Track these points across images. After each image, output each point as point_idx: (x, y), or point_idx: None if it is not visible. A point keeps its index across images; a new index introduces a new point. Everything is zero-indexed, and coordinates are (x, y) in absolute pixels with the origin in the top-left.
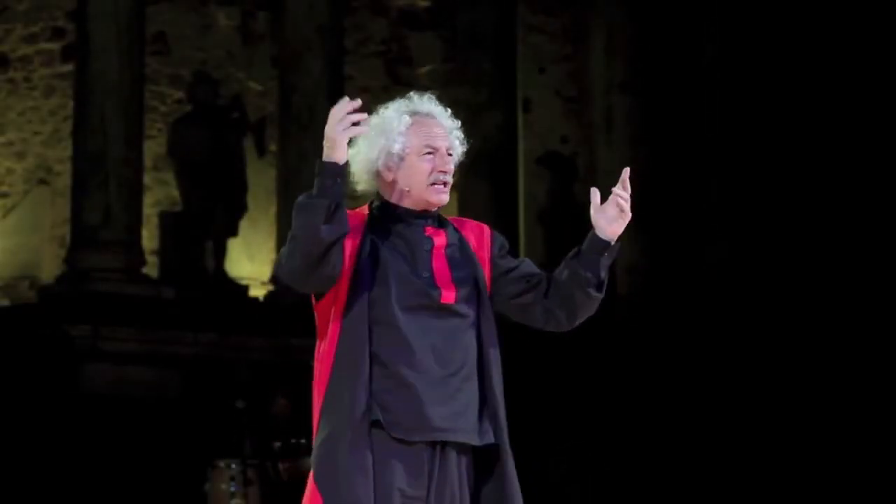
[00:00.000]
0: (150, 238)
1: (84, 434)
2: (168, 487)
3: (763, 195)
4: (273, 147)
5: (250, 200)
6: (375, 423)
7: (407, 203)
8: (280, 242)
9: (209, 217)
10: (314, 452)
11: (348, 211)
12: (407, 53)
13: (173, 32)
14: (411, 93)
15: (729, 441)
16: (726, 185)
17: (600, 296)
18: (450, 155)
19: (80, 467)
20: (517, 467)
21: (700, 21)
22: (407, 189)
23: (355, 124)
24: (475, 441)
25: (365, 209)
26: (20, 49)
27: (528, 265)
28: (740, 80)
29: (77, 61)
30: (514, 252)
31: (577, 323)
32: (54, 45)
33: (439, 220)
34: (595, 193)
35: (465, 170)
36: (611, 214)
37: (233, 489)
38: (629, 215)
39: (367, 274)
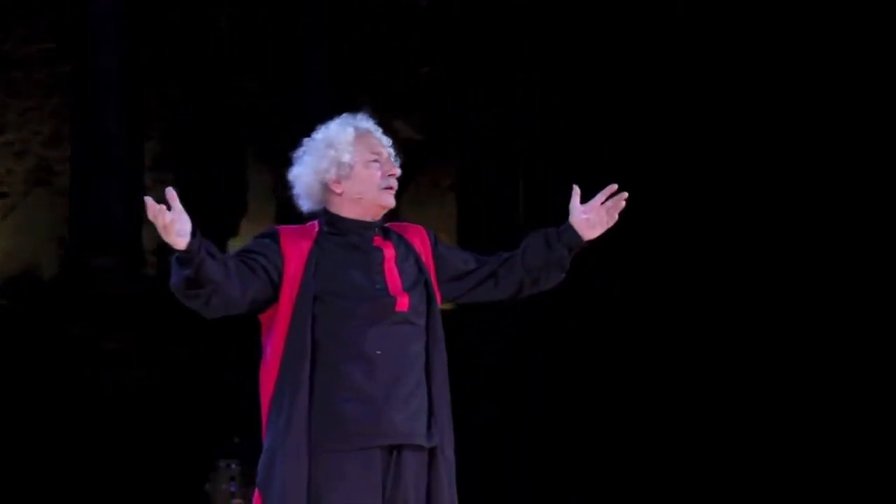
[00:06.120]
0: (150, 238)
1: (84, 434)
2: (168, 487)
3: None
4: (273, 147)
5: (250, 200)
6: (321, 440)
7: (356, 213)
8: None
9: (209, 217)
10: (260, 464)
11: (296, 227)
12: (407, 53)
13: (173, 32)
14: (345, 114)
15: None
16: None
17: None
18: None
19: (81, 467)
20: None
21: None
22: (358, 197)
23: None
24: (425, 443)
25: (314, 224)
26: (20, 49)
27: (473, 259)
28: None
29: (77, 61)
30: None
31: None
32: (54, 46)
33: (384, 231)
34: (576, 192)
35: (464, 170)
36: (594, 220)
37: (233, 489)
38: (613, 222)
39: (316, 286)
